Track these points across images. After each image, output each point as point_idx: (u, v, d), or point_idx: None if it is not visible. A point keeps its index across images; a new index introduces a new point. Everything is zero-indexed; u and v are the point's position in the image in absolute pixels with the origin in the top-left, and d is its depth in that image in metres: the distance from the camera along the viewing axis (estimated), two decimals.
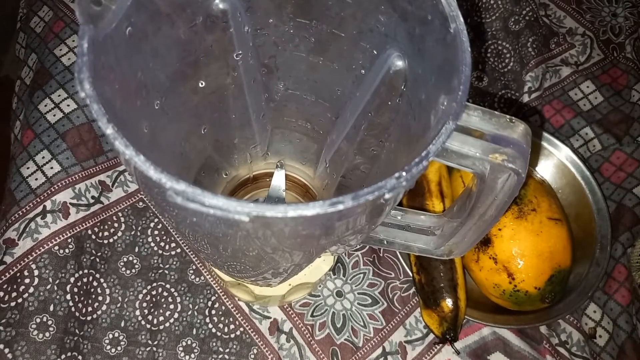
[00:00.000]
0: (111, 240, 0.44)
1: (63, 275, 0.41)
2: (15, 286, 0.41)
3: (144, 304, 0.42)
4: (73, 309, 0.41)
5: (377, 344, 0.43)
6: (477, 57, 0.55)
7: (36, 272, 0.41)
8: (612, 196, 0.49)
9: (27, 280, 0.41)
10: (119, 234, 0.44)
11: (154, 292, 0.43)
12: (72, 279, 0.41)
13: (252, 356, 0.41)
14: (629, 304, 0.44)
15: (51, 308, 0.40)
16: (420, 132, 0.23)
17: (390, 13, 0.24)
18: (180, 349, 0.41)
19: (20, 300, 0.40)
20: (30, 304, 0.40)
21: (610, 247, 0.44)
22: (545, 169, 0.48)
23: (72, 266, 0.42)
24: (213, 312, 0.43)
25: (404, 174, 0.17)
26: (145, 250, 0.44)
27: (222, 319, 0.43)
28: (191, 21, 0.26)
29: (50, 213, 0.43)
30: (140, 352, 0.41)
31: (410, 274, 0.43)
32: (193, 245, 0.37)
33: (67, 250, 0.42)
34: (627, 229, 0.46)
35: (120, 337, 0.41)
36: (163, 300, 0.43)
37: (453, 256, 0.33)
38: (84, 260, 0.43)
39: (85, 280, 0.42)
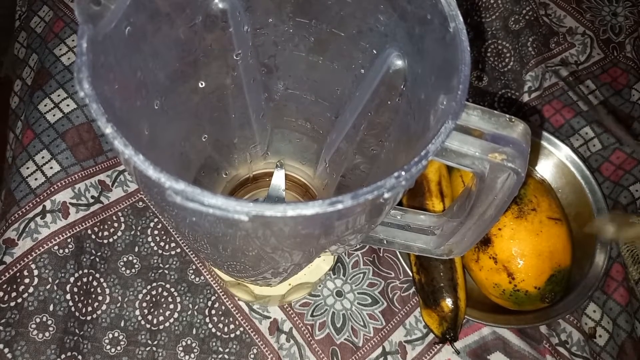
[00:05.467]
0: (111, 240, 0.44)
1: (63, 275, 0.41)
2: (15, 286, 0.41)
3: (144, 304, 0.42)
4: (73, 308, 0.41)
5: (377, 344, 0.43)
6: (477, 56, 0.55)
7: (36, 272, 0.41)
8: (611, 195, 0.49)
9: (26, 280, 0.41)
10: (119, 233, 0.44)
11: (153, 292, 0.43)
12: (71, 279, 0.41)
13: (252, 356, 0.41)
14: (628, 303, 0.44)
15: (51, 308, 0.40)
16: (419, 132, 0.23)
17: (390, 12, 0.24)
18: (180, 348, 0.41)
19: (20, 300, 0.40)
20: (30, 303, 0.40)
21: (609, 247, 0.44)
22: (545, 169, 0.48)
23: (71, 266, 0.42)
24: (213, 312, 0.43)
25: (403, 173, 0.17)
26: (145, 250, 0.44)
27: (222, 318, 0.43)
28: (191, 21, 0.26)
29: (50, 213, 0.43)
30: (140, 352, 0.41)
31: (410, 274, 0.43)
32: (193, 245, 0.37)
33: (66, 250, 0.42)
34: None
35: (120, 337, 0.41)
36: (163, 300, 0.43)
37: (453, 256, 0.33)
38: (84, 260, 0.43)
39: (85, 280, 0.42)
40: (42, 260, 0.41)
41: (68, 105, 0.48)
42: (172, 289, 0.43)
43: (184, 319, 0.42)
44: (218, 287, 0.44)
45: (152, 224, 0.45)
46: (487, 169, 0.23)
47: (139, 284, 0.43)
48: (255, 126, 0.35)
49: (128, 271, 0.43)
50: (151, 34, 0.24)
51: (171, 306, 0.43)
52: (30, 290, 0.40)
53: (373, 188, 0.17)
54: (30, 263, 0.41)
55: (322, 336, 0.42)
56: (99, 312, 0.42)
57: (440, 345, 0.43)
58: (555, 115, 0.52)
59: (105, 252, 0.44)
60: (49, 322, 0.40)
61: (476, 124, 0.22)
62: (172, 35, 0.26)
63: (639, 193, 0.48)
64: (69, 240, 0.43)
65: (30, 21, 0.55)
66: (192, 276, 0.44)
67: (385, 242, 0.34)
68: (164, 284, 0.43)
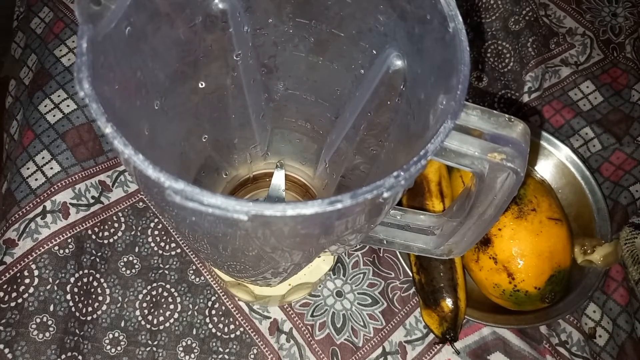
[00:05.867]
0: (111, 240, 0.44)
1: (63, 275, 0.41)
2: (15, 286, 0.41)
3: (144, 304, 0.42)
4: (73, 309, 0.41)
5: (377, 344, 0.43)
6: (477, 57, 0.55)
7: (36, 272, 0.41)
8: (612, 195, 0.49)
9: (27, 281, 0.41)
10: (119, 234, 0.44)
11: (154, 292, 0.43)
12: (72, 279, 0.41)
13: (252, 356, 0.41)
14: (628, 303, 0.44)
15: (51, 308, 0.40)
16: (419, 132, 0.23)
17: (390, 13, 0.24)
18: (180, 349, 0.41)
19: (20, 301, 0.40)
20: (30, 304, 0.40)
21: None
22: (545, 169, 0.48)
23: (72, 266, 0.42)
24: (213, 312, 0.43)
25: (402, 173, 0.17)
26: (146, 250, 0.44)
27: (222, 319, 0.43)
28: (190, 21, 0.26)
29: (50, 213, 0.43)
30: (140, 352, 0.41)
31: (410, 274, 0.43)
32: (193, 245, 0.37)
33: (67, 251, 0.42)
34: (619, 228, 0.46)
35: (120, 337, 0.41)
36: (163, 300, 0.43)
37: (453, 256, 0.33)
38: (84, 260, 0.43)
39: (85, 280, 0.42)
40: (42, 260, 0.41)
41: (68, 105, 0.48)
42: (173, 289, 0.43)
43: (184, 319, 0.42)
44: (218, 288, 0.44)
45: (152, 225, 0.45)
46: (487, 168, 0.23)
47: (139, 284, 0.43)
48: (255, 126, 0.35)
49: (128, 271, 0.43)
50: (151, 34, 0.24)
51: (171, 306, 0.43)
52: (31, 290, 0.40)
53: (372, 187, 0.17)
54: (30, 263, 0.41)
55: (322, 336, 0.42)
56: (99, 312, 0.42)
57: (440, 345, 0.43)
58: (555, 116, 0.52)
59: (106, 252, 0.44)
60: (50, 322, 0.40)
61: (475, 124, 0.22)
62: (172, 36, 0.26)
63: (639, 193, 0.48)
64: (69, 240, 0.43)
65: (30, 22, 0.55)
66: (192, 276, 0.44)
67: (385, 242, 0.34)
68: (164, 284, 0.43)
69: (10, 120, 0.51)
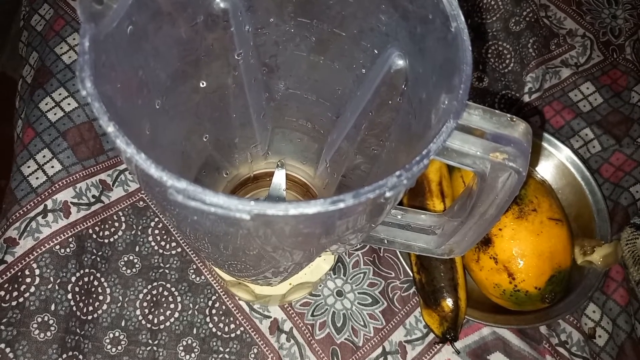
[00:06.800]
0: (112, 239, 0.44)
1: (64, 274, 0.41)
2: (16, 285, 0.41)
3: (145, 304, 0.42)
4: (74, 308, 0.41)
5: (377, 344, 0.43)
6: (478, 57, 0.55)
7: (37, 272, 0.41)
8: (612, 196, 0.49)
9: (28, 280, 0.41)
10: (120, 233, 0.44)
11: (154, 292, 0.43)
12: (73, 278, 0.41)
13: (253, 356, 0.41)
14: (628, 303, 0.44)
15: (52, 307, 0.40)
16: (420, 131, 0.23)
17: (391, 12, 0.25)
18: (181, 348, 0.41)
19: (21, 300, 0.40)
20: (32, 303, 0.40)
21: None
22: (546, 170, 0.48)
23: (73, 265, 0.42)
24: (213, 311, 0.43)
25: (404, 172, 0.17)
26: (146, 249, 0.44)
27: (223, 318, 0.43)
28: (192, 20, 0.26)
29: (51, 212, 0.43)
30: (140, 352, 0.41)
31: (411, 274, 0.43)
32: (194, 244, 0.37)
33: (68, 250, 0.42)
34: (620, 228, 0.46)
35: (121, 337, 0.41)
36: (163, 299, 0.43)
37: (453, 255, 0.33)
38: (85, 259, 0.43)
39: (86, 279, 0.42)
40: (43, 259, 0.41)
41: (69, 104, 0.48)
42: (173, 289, 0.43)
43: (185, 318, 0.42)
44: (219, 287, 0.44)
45: (152, 224, 0.45)
46: (488, 168, 0.23)
47: (140, 284, 0.43)
48: (256, 126, 0.35)
49: (129, 271, 0.43)
50: (153, 33, 0.24)
51: (172, 306, 0.43)
52: (32, 289, 0.40)
53: (375, 187, 0.17)
54: (31, 262, 0.41)
55: (322, 336, 0.42)
56: (99, 311, 0.42)
57: (440, 345, 0.43)
58: (556, 117, 0.53)
59: (106, 251, 0.44)
60: (51, 321, 0.40)
61: (477, 124, 0.22)
62: (173, 35, 0.26)
63: None
64: (70, 239, 0.43)
65: (31, 19, 0.55)
66: (193, 276, 0.44)
67: (386, 241, 0.34)
68: (164, 283, 0.43)
69: (17, 119, 0.51)
